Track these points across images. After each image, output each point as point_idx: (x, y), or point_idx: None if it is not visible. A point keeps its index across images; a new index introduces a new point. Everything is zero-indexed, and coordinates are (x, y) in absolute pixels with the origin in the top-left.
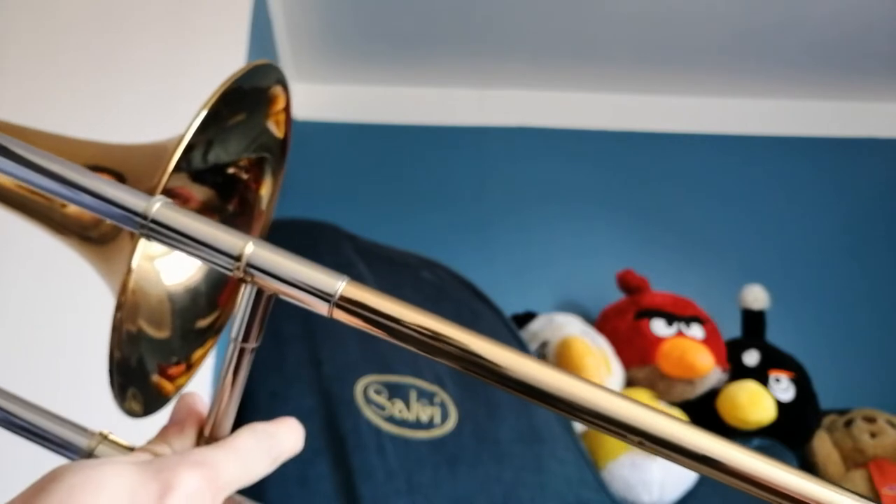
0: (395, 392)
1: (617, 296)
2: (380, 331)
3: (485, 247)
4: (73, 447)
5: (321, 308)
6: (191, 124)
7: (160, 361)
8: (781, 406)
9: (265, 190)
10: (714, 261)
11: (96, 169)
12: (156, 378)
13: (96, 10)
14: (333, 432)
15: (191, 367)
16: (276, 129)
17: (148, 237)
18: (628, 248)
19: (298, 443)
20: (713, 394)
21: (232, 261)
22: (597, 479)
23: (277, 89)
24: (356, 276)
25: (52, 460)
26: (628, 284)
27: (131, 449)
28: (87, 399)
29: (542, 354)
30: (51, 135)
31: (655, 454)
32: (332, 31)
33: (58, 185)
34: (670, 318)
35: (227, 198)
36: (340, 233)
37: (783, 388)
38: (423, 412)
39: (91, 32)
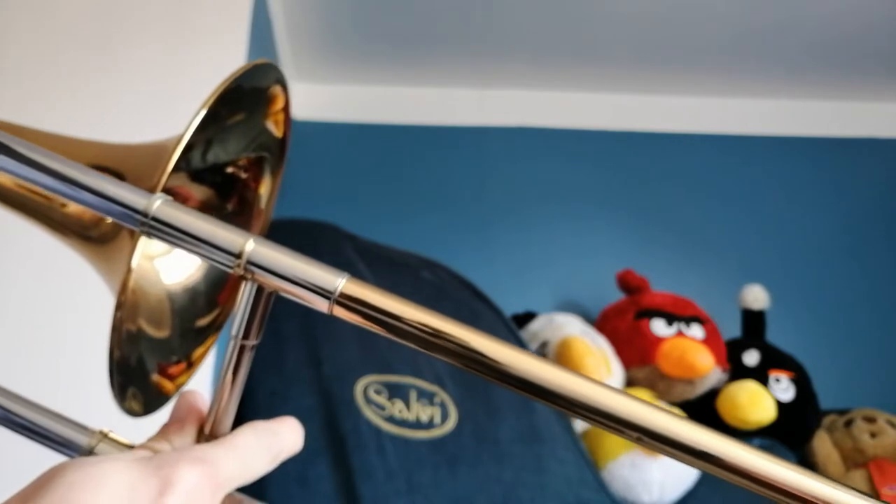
0: (395, 392)
1: (617, 296)
2: (380, 327)
3: (485, 247)
4: (73, 445)
5: (321, 305)
6: (190, 123)
7: (160, 361)
8: (781, 406)
9: (264, 189)
10: (714, 261)
11: (96, 168)
12: (156, 377)
13: (96, 10)
14: (333, 432)
15: (191, 366)
16: (275, 129)
17: (149, 235)
18: (628, 248)
19: (298, 442)
20: (713, 394)
21: (232, 258)
22: (597, 479)
23: (276, 89)
24: (356, 276)
25: (52, 459)
26: (628, 284)
27: (131, 447)
28: (87, 399)
29: (542, 354)
30: (51, 134)
31: (654, 450)
32: (332, 31)
33: (58, 183)
34: (670, 318)
35: (226, 197)
36: (340, 233)
37: (783, 388)
38: (423, 412)
39: (91, 32)
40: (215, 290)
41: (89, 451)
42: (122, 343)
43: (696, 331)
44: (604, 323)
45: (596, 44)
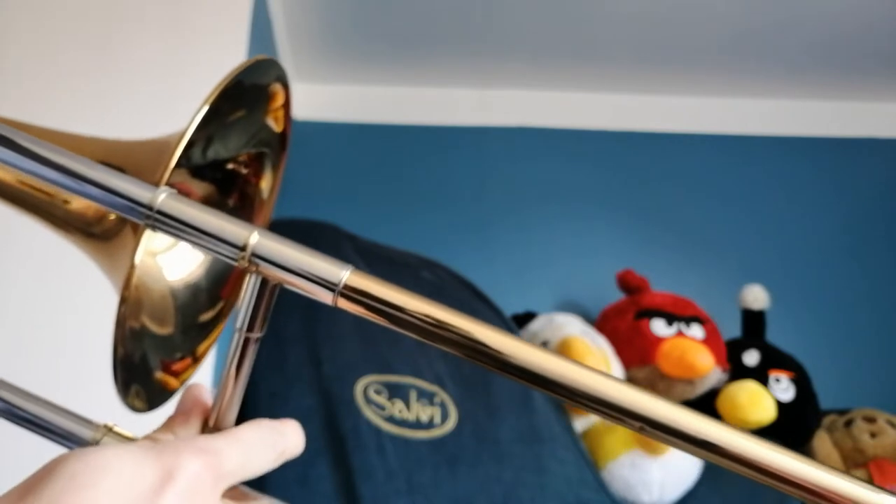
0: (395, 392)
1: (617, 296)
2: (384, 319)
3: (485, 247)
4: (77, 439)
5: (325, 297)
6: (193, 119)
7: (163, 357)
8: (781, 406)
9: (265, 183)
10: (714, 261)
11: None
12: (159, 374)
13: (96, 10)
14: (333, 432)
15: (196, 361)
16: (275, 125)
17: (153, 228)
18: (628, 248)
19: (301, 444)
20: (713, 394)
21: (237, 251)
22: (597, 479)
23: (277, 85)
24: None
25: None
26: (628, 284)
27: (135, 440)
28: (88, 398)
29: None
30: (53, 131)
31: (656, 439)
32: (332, 31)
33: (63, 177)
34: (670, 318)
35: (227, 193)
36: (340, 233)
37: (783, 388)
38: (423, 412)
39: (91, 32)
40: (218, 285)
41: (94, 445)
42: (125, 340)
43: (696, 331)
44: (604, 323)
45: (596, 44)
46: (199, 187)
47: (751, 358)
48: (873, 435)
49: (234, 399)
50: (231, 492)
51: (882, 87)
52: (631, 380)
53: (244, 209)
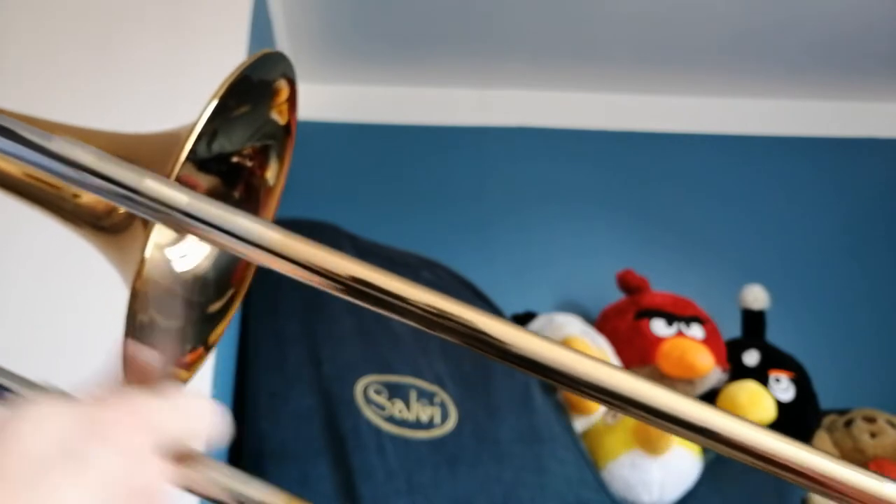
0: (395, 392)
1: (617, 296)
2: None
3: (485, 247)
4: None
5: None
6: (203, 111)
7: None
8: (781, 406)
9: (271, 173)
10: (714, 261)
11: None
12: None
13: (96, 10)
14: (333, 432)
15: (208, 349)
16: (279, 118)
17: (181, 230)
18: (628, 248)
19: (220, 426)
20: (713, 394)
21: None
22: (597, 479)
23: (283, 81)
24: None
25: None
26: (628, 284)
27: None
28: None
29: None
30: (60, 125)
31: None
32: (332, 31)
33: (79, 173)
34: (670, 318)
35: (233, 185)
36: (340, 233)
37: (783, 388)
38: (423, 412)
39: (91, 32)
40: (226, 275)
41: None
42: (134, 334)
43: (696, 331)
44: (604, 323)
45: (596, 44)
46: (205, 180)
47: (751, 358)
48: (873, 435)
49: (166, 358)
50: (176, 454)
51: (882, 87)
52: None
53: (250, 201)
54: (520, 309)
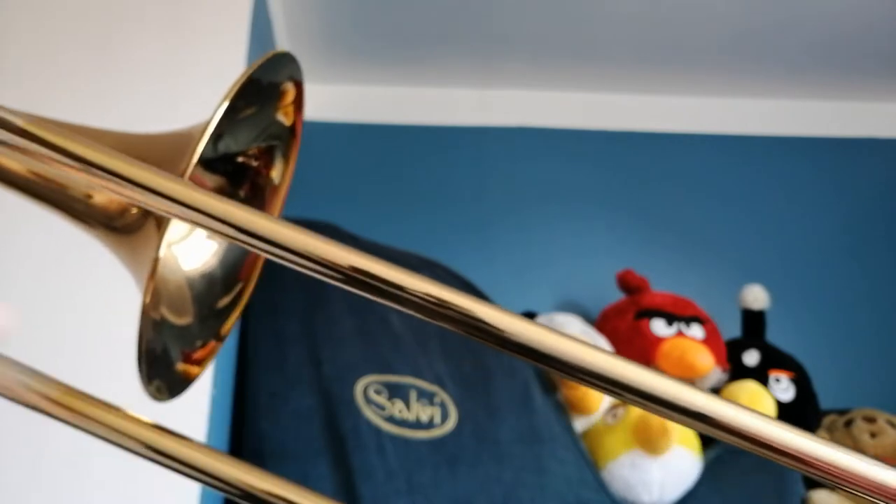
0: (395, 392)
1: (617, 296)
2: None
3: (485, 247)
4: None
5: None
6: (216, 111)
7: (184, 348)
8: (781, 406)
9: (276, 172)
10: (714, 261)
11: None
12: (181, 366)
13: (96, 10)
14: (333, 432)
15: (220, 340)
16: (285, 119)
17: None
18: (628, 248)
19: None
20: (713, 394)
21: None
22: (597, 479)
23: (290, 83)
24: None
25: (51, 460)
26: (628, 284)
27: None
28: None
29: None
30: (71, 125)
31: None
32: (332, 31)
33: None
34: (670, 318)
35: (238, 184)
36: (340, 233)
37: (783, 388)
38: (423, 412)
39: (91, 32)
40: (234, 271)
41: None
42: (147, 334)
43: (696, 331)
44: (604, 323)
45: (596, 44)
46: (211, 179)
47: (751, 358)
48: (873, 435)
49: None
50: None
51: (882, 87)
52: None
53: (256, 199)
54: (520, 309)
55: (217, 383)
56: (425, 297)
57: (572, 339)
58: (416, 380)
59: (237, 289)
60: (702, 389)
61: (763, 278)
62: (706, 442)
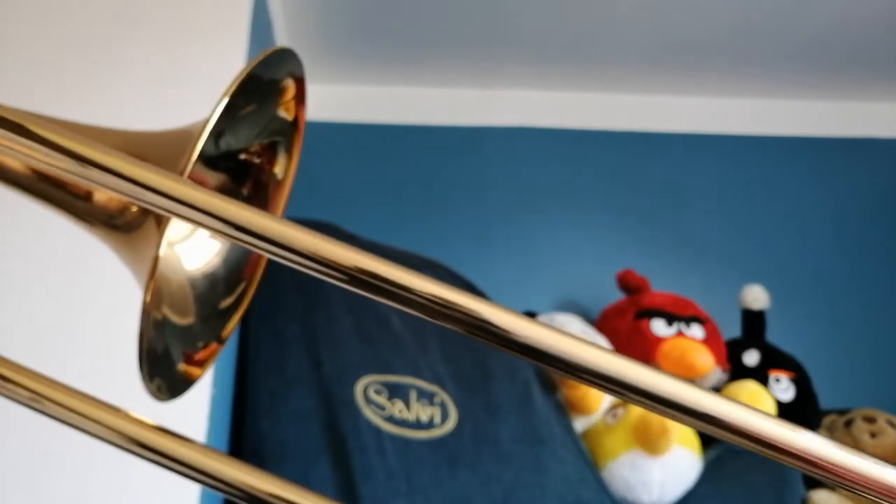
0: (395, 392)
1: (617, 296)
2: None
3: (485, 247)
4: None
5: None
6: (215, 109)
7: (185, 349)
8: (781, 406)
9: (280, 168)
10: (714, 261)
11: None
12: (182, 367)
13: (97, 11)
14: (334, 433)
15: (221, 342)
16: (287, 114)
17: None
18: (628, 248)
19: None
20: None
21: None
22: (597, 479)
23: (290, 79)
24: None
25: (51, 460)
26: (628, 284)
27: None
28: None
29: None
30: (72, 123)
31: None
32: (331, 31)
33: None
34: (670, 318)
35: (241, 182)
36: (340, 233)
37: (783, 388)
38: (423, 412)
39: (91, 33)
40: (236, 270)
41: None
42: (148, 333)
43: (696, 331)
44: (604, 323)
45: (596, 44)
46: (213, 177)
47: (751, 358)
48: (873, 435)
49: None
50: None
51: (882, 87)
52: None
53: (258, 196)
54: (520, 309)
55: (217, 383)
56: (431, 297)
57: (578, 339)
58: (416, 380)
59: (240, 289)
60: (711, 393)
61: (763, 278)
62: (706, 442)
